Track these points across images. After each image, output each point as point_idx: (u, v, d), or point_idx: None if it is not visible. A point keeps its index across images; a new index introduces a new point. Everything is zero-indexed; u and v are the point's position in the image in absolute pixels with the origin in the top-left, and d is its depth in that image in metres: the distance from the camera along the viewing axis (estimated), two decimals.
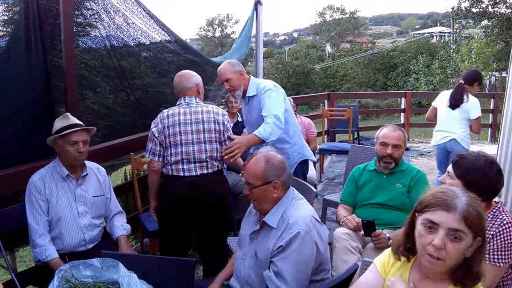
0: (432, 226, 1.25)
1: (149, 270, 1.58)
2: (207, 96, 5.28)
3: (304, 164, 3.14)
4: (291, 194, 1.90)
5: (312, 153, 3.30)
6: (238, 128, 4.06)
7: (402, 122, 8.44)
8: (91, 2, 3.04)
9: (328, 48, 45.28)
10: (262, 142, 2.62)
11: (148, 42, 3.81)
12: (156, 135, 2.58)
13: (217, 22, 55.64)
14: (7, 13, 2.62)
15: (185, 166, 2.52)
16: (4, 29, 2.64)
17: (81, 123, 2.33)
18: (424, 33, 41.66)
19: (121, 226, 2.47)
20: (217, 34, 55.72)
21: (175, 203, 2.53)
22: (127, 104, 3.94)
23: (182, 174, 2.52)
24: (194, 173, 2.52)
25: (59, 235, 2.25)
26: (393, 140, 2.59)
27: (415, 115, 13.22)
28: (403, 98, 8.64)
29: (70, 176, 2.32)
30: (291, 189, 1.92)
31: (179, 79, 2.70)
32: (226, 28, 55.66)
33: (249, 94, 2.94)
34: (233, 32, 52.84)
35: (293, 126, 3.04)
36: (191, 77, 2.71)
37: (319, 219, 1.86)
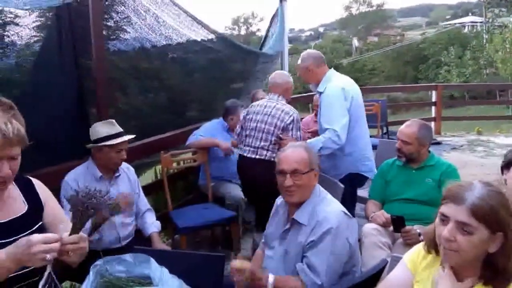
0: (444, 219, 1.26)
1: (179, 265, 1.61)
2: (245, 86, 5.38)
3: (355, 178, 2.96)
4: (318, 190, 1.91)
5: (372, 168, 2.99)
6: None
7: (433, 115, 8.22)
8: (121, 5, 3.11)
9: (355, 42, 44.55)
10: None
11: (180, 40, 3.87)
12: (241, 118, 3.25)
13: (242, 20, 55.86)
14: (41, 19, 2.72)
15: (245, 147, 3.04)
16: (38, 34, 2.75)
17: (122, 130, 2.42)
18: (455, 24, 40.33)
19: (152, 223, 2.56)
20: (242, 32, 55.92)
21: (240, 176, 3.25)
22: (155, 104, 4.02)
23: (241, 153, 3.12)
24: (248, 155, 3.01)
25: None
26: (403, 135, 2.58)
27: (447, 108, 12.85)
28: (434, 91, 8.42)
29: (103, 177, 2.41)
30: (317, 186, 1.93)
31: (273, 76, 3.18)
32: (251, 26, 55.82)
33: (318, 89, 3.01)
34: (258, 30, 52.94)
35: (354, 135, 2.89)
36: (282, 77, 3.16)
37: (349, 213, 1.85)
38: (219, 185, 3.61)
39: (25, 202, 1.48)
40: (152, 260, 1.55)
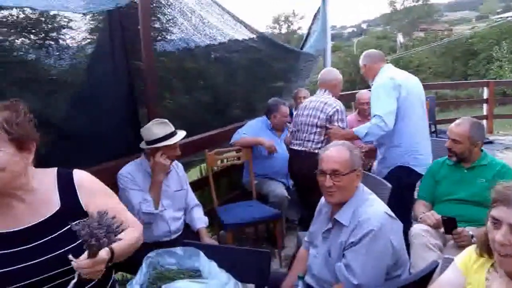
0: (496, 222, 1.21)
1: (226, 260, 1.64)
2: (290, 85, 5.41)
3: (405, 173, 2.91)
4: (361, 190, 1.88)
5: (424, 163, 2.88)
6: None
7: (484, 113, 7.83)
8: (168, 7, 3.20)
9: (400, 38, 43.16)
10: (357, 138, 2.93)
11: (223, 39, 3.94)
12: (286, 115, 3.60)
13: (282, 19, 55.67)
14: (92, 22, 2.84)
15: (295, 141, 3.24)
16: (90, 37, 2.88)
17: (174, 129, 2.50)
18: (507, 17, 38.07)
19: (200, 218, 2.63)
20: (283, 30, 55.73)
21: (288, 169, 3.41)
22: (199, 103, 4.10)
23: (291, 147, 3.30)
24: (296, 148, 3.20)
25: (147, 226, 2.41)
26: (454, 134, 2.49)
27: (500, 105, 12.20)
28: (485, 88, 8.03)
29: None
30: (361, 185, 1.89)
31: (322, 72, 3.38)
32: (292, 24, 55.50)
33: (371, 83, 3.10)
34: (299, 28, 52.54)
35: (402, 126, 2.89)
36: (331, 73, 3.35)
37: (393, 215, 1.81)
38: (262, 183, 3.64)
39: (59, 200, 1.44)
40: (202, 253, 1.60)
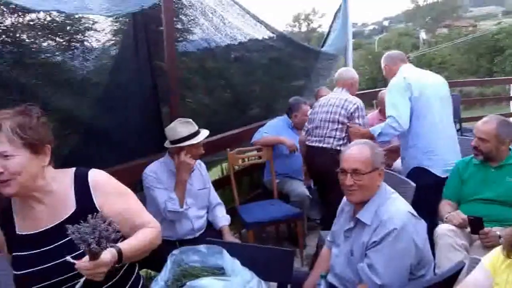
0: None
1: (249, 258, 1.65)
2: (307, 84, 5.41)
3: (421, 174, 2.84)
4: (384, 189, 1.86)
5: (439, 164, 2.84)
6: None
7: (511, 111, 7.62)
8: (190, 8, 3.24)
9: (423, 35, 42.33)
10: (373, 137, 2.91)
11: (244, 39, 3.97)
12: (308, 114, 3.52)
13: (302, 17, 55.37)
14: (116, 24, 2.90)
15: (313, 138, 3.24)
16: (113, 38, 2.93)
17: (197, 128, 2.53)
18: None
19: (223, 217, 2.66)
20: (303, 29, 55.42)
21: (306, 163, 3.45)
22: (220, 102, 4.14)
23: (308, 144, 3.27)
24: (315, 144, 3.19)
25: (171, 224, 2.47)
26: (480, 132, 2.43)
27: None
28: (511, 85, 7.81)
29: None
30: (384, 184, 1.87)
31: (339, 72, 3.44)
32: (312, 22, 55.13)
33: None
34: (319, 26, 52.15)
35: (417, 126, 2.88)
36: (348, 72, 3.42)
37: (416, 214, 1.79)
38: (284, 182, 3.64)
39: (75, 202, 1.45)
40: (225, 251, 1.61)
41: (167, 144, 2.49)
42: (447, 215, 2.34)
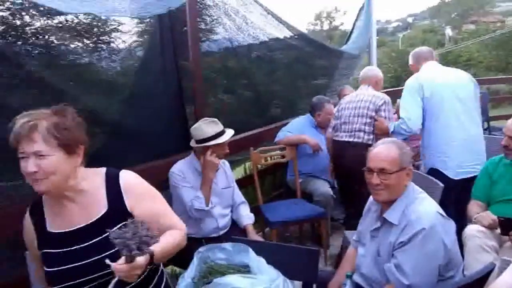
0: None
1: (274, 257, 1.66)
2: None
3: (434, 173, 2.77)
4: (412, 189, 1.83)
5: (450, 166, 2.80)
6: None
7: None
8: (213, 8, 3.27)
9: (449, 32, 41.33)
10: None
11: (265, 38, 3.98)
12: (335, 111, 3.50)
13: (324, 15, 54.90)
14: (141, 25, 2.95)
15: (341, 133, 3.24)
16: (139, 39, 2.98)
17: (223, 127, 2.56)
18: None
19: (247, 215, 2.68)
20: (325, 27, 54.96)
21: (334, 160, 3.42)
22: (243, 102, 4.15)
23: (336, 139, 3.29)
24: (344, 139, 3.19)
25: (196, 222, 2.50)
26: (509, 131, 2.37)
27: None
28: None
29: None
30: (411, 184, 1.85)
31: (364, 70, 3.51)
32: (334, 20, 54.60)
33: None
34: (341, 24, 51.60)
35: (430, 127, 2.88)
36: (372, 71, 3.51)
37: (445, 214, 1.76)
38: (307, 182, 3.63)
39: (107, 202, 1.47)
40: (250, 250, 1.61)
41: (192, 143, 2.52)
42: (476, 216, 2.28)
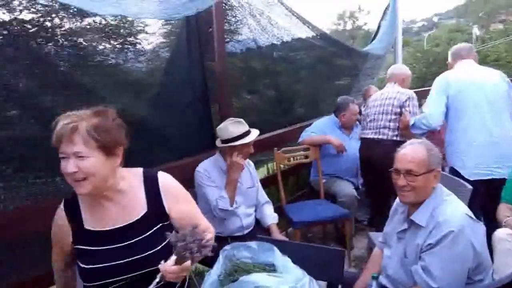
0: None
1: (298, 257, 1.67)
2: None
3: (453, 173, 2.81)
4: (440, 191, 1.80)
5: (466, 166, 2.75)
6: None
7: None
8: (238, 9, 3.30)
9: (476, 31, 40.25)
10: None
11: (289, 39, 3.99)
12: (363, 110, 3.57)
13: (348, 14, 54.36)
14: (166, 26, 2.99)
15: (368, 131, 3.32)
16: (165, 40, 3.02)
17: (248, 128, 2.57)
18: None
19: (271, 215, 2.69)
20: (348, 27, 54.40)
21: (360, 157, 3.43)
22: (267, 102, 4.17)
23: (363, 136, 3.38)
24: (370, 136, 3.27)
25: (221, 221, 2.52)
26: None
27: None
28: None
29: None
30: (439, 186, 1.82)
31: (391, 68, 3.52)
32: (357, 20, 54.00)
33: None
34: (365, 24, 50.98)
35: (453, 125, 2.86)
36: (400, 68, 3.53)
37: (474, 217, 1.72)
38: (330, 182, 3.61)
39: (146, 203, 1.49)
40: (276, 249, 1.62)
41: (218, 143, 2.54)
42: (506, 220, 2.23)
